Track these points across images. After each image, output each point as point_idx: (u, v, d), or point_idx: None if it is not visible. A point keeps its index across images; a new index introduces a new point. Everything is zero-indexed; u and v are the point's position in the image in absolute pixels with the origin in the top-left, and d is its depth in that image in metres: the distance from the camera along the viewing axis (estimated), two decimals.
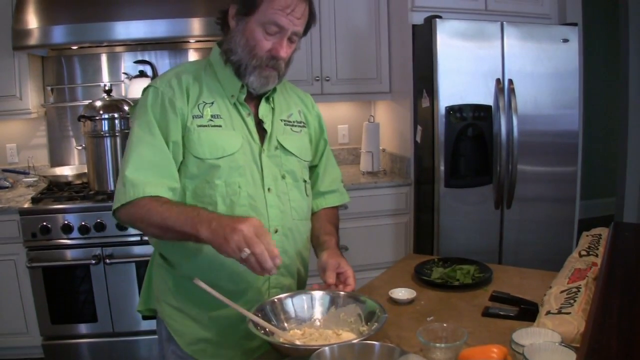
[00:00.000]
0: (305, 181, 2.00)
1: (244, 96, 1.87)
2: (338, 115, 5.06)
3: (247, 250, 1.49)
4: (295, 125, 2.01)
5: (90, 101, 3.99)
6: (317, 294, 1.75)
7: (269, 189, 1.86)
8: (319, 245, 2.00)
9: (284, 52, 1.80)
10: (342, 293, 1.76)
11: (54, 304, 3.83)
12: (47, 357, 3.94)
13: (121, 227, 3.71)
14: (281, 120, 1.96)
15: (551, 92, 4.02)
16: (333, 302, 1.73)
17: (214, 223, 1.57)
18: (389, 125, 4.76)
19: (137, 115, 1.82)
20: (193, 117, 1.80)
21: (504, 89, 3.87)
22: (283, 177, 1.91)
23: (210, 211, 1.71)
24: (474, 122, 3.88)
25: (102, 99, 3.95)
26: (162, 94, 1.80)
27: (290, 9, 1.75)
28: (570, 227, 4.24)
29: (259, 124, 1.91)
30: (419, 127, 4.15)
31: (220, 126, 1.82)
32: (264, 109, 1.92)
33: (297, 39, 1.84)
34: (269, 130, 1.91)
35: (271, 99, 1.96)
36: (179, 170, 1.80)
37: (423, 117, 4.07)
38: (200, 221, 1.59)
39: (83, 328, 3.91)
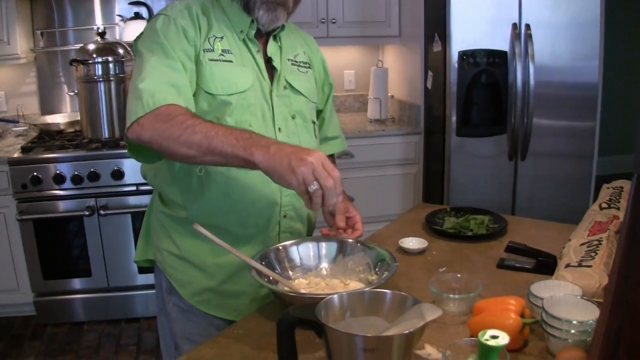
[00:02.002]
0: (314, 122, 1.99)
1: (253, 32, 1.84)
2: (344, 60, 5.02)
3: (317, 184, 1.43)
4: (302, 66, 1.98)
5: (83, 45, 3.94)
6: (324, 242, 1.74)
7: (279, 129, 1.83)
8: None
9: None
10: (350, 240, 1.74)
11: (46, 258, 3.86)
12: (40, 314, 3.98)
13: (116, 175, 3.70)
14: (288, 59, 1.94)
15: (570, 41, 3.96)
16: (341, 250, 1.72)
17: (273, 147, 1.48)
18: (397, 71, 4.72)
19: (146, 40, 1.75)
20: (204, 51, 1.76)
21: (520, 34, 3.82)
22: (293, 117, 1.88)
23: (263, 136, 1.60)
24: (488, 68, 3.84)
25: (95, 42, 3.91)
26: (174, 22, 1.74)
27: None
28: (587, 184, 4.21)
29: (268, 62, 1.88)
30: (429, 73, 4.12)
31: (231, 62, 1.78)
32: (272, 47, 1.90)
33: None
34: (278, 69, 1.89)
35: (278, 38, 1.93)
36: None
37: (434, 62, 4.04)
38: (256, 144, 1.49)
39: (76, 283, 3.94)
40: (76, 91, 3.95)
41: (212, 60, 1.75)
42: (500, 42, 3.83)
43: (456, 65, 3.80)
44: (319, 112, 2.14)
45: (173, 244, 1.88)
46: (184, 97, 1.65)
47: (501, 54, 3.84)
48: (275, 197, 1.80)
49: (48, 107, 4.59)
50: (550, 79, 3.96)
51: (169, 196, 1.87)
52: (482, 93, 3.90)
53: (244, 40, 1.84)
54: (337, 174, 1.46)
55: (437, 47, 3.95)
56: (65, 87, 4.55)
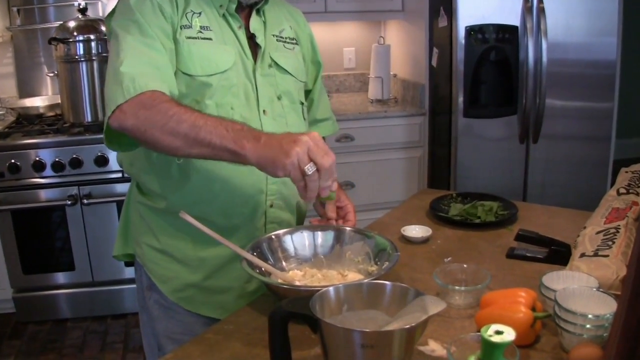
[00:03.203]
0: (302, 103, 1.97)
1: (234, 6, 1.80)
2: (343, 37, 5.01)
3: (313, 166, 1.40)
4: (288, 42, 1.96)
5: (63, 22, 3.93)
6: (320, 230, 1.73)
7: (264, 111, 1.81)
8: None
9: None
10: (348, 229, 1.73)
11: (26, 251, 3.85)
12: (19, 312, 3.98)
13: (100, 162, 3.69)
14: (273, 35, 1.92)
15: (586, 15, 3.94)
16: (338, 239, 1.71)
17: (264, 137, 1.46)
18: (401, 47, 4.72)
19: (120, 17, 1.71)
20: (181, 28, 1.72)
21: (532, 8, 3.80)
22: (279, 97, 1.86)
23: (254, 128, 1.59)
24: (497, 44, 3.84)
25: (76, 19, 3.90)
26: None
27: None
28: (604, 168, 4.21)
29: (251, 38, 1.85)
30: (435, 50, 4.12)
31: (210, 39, 1.75)
32: (255, 22, 1.87)
33: None
34: (262, 45, 1.86)
35: (262, 12, 1.90)
36: None
37: (440, 38, 4.04)
38: (247, 136, 1.47)
39: (59, 278, 3.94)
40: (56, 72, 3.95)
41: (190, 38, 1.72)
42: (511, 16, 3.82)
43: (463, 41, 3.79)
44: (308, 93, 2.12)
45: (153, 236, 1.86)
46: (167, 80, 1.64)
47: (511, 29, 3.83)
48: (261, 185, 1.78)
49: (26, 89, 4.56)
50: (565, 56, 3.95)
51: (147, 186, 1.85)
52: (491, 71, 3.90)
53: (224, 15, 1.80)
54: (333, 156, 1.44)
55: (442, 22, 3.94)
56: (45, 68, 4.52)
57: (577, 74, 4.01)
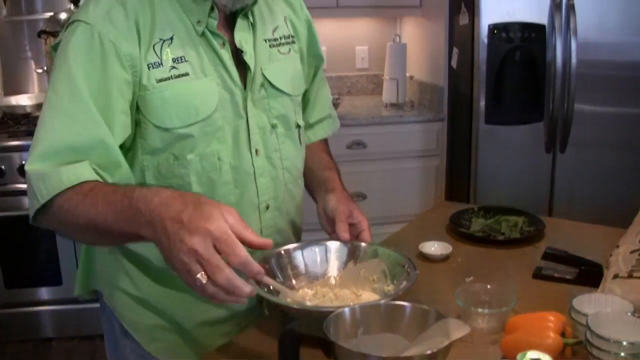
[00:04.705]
0: (299, 127, 1.85)
1: (216, 22, 1.61)
2: (356, 35, 4.99)
3: (204, 277, 1.21)
4: (283, 44, 1.80)
5: (53, 13, 3.94)
6: (333, 245, 1.73)
7: (256, 151, 1.69)
8: (319, 184, 1.91)
9: None
10: (362, 244, 1.73)
11: (9, 263, 3.85)
12: (1, 328, 3.97)
13: None
14: (265, 40, 1.74)
15: (620, 12, 3.92)
16: (352, 255, 1.71)
17: (155, 214, 1.27)
18: (418, 46, 4.73)
19: (56, 66, 1.50)
20: (149, 67, 1.52)
21: (561, 4, 3.80)
22: (273, 126, 1.74)
23: (148, 187, 1.48)
24: (522, 44, 3.83)
25: (67, 10, 3.91)
26: (99, 36, 1.48)
27: None
28: (638, 179, 4.18)
29: (237, 53, 1.66)
30: (455, 50, 4.12)
31: (187, 74, 1.56)
32: (241, 29, 1.67)
33: None
34: (252, 64, 1.68)
35: (250, 13, 1.70)
36: (133, 142, 1.59)
37: (460, 37, 4.05)
38: (135, 215, 1.31)
39: (44, 293, 3.93)
40: (45, 68, 3.96)
41: (161, 80, 1.53)
42: (538, 13, 3.82)
43: (486, 40, 3.79)
44: (304, 93, 1.97)
45: (130, 281, 1.73)
46: (95, 162, 1.45)
47: (538, 28, 3.83)
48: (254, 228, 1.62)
49: (12, 86, 4.58)
50: (596, 57, 3.93)
51: None
52: (515, 73, 3.89)
53: (203, 33, 1.60)
54: (242, 253, 1.23)
55: (463, 20, 3.95)
56: (33, 64, 4.53)
57: (609, 76, 3.99)
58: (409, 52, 4.65)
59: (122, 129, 1.51)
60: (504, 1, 3.78)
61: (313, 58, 1.99)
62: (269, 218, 1.75)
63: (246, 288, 1.22)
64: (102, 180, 1.44)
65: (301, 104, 1.91)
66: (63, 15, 3.83)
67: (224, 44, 1.63)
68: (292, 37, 1.85)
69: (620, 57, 3.97)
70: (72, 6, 3.95)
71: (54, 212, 1.41)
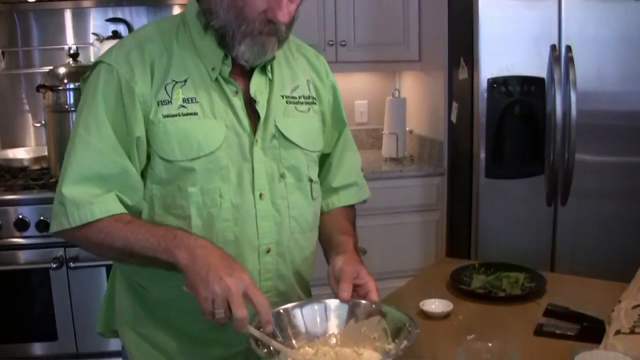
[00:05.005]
0: (311, 180, 1.89)
1: (228, 70, 1.74)
2: (355, 89, 5.03)
3: (222, 313, 1.49)
4: (302, 103, 1.88)
5: (52, 67, 3.97)
6: (333, 303, 1.73)
7: (260, 195, 1.76)
8: (332, 247, 1.90)
9: (284, 14, 1.65)
10: (363, 302, 1.73)
11: (4, 317, 3.81)
12: None
13: None
14: (282, 96, 1.83)
15: (619, 62, 3.97)
16: (352, 313, 1.71)
17: (200, 251, 1.54)
18: (417, 101, 4.75)
19: (84, 102, 1.71)
20: (158, 104, 1.68)
21: (560, 57, 3.85)
22: (282, 175, 1.81)
23: (191, 233, 1.64)
24: (522, 98, 3.86)
25: (66, 65, 3.93)
26: (117, 75, 1.67)
27: None
28: None
29: (250, 103, 1.78)
30: (454, 104, 4.15)
31: (195, 114, 1.69)
32: (258, 82, 1.79)
33: None
34: (262, 113, 1.78)
35: (269, 68, 1.82)
36: (144, 172, 1.74)
37: (460, 91, 4.08)
38: (179, 245, 1.56)
39: (39, 348, 3.89)
40: (43, 122, 3.97)
41: (167, 116, 1.68)
42: (537, 67, 3.86)
43: (485, 94, 3.82)
44: (326, 156, 2.06)
45: (139, 322, 1.85)
46: (118, 186, 1.67)
47: (538, 81, 3.86)
48: (252, 270, 1.74)
49: (9, 139, 4.60)
50: (596, 107, 3.97)
51: (130, 275, 1.86)
52: (515, 127, 3.92)
53: (216, 79, 1.74)
54: (264, 302, 1.53)
55: (463, 74, 3.98)
56: (30, 117, 4.57)
57: (610, 125, 4.02)
58: (408, 107, 4.68)
59: (139, 157, 1.70)
60: (503, 55, 3.82)
61: (336, 123, 2.07)
62: (269, 262, 1.79)
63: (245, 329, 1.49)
64: (125, 210, 1.66)
65: (317, 161, 1.95)
66: (62, 70, 3.85)
67: (236, 92, 1.75)
68: (314, 98, 1.94)
69: (621, 106, 4.01)
70: (71, 60, 3.98)
71: (89, 233, 1.63)
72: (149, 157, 1.72)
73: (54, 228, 1.67)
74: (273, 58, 1.80)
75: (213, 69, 1.72)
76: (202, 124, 1.70)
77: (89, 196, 1.62)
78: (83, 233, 1.64)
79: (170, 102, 1.68)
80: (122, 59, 1.69)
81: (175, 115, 1.68)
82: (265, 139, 1.78)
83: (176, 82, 1.70)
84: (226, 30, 1.68)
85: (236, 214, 1.73)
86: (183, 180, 1.70)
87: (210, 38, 1.73)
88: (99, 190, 1.64)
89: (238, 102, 1.75)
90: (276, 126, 1.79)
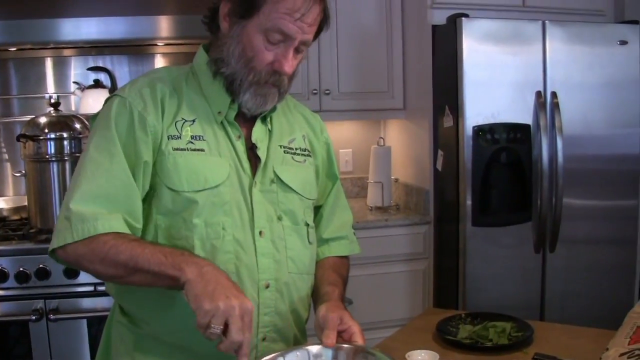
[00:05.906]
0: (307, 225, 1.98)
1: (234, 113, 1.86)
2: (340, 138, 5.04)
3: (219, 329, 1.52)
4: (298, 154, 1.99)
5: (33, 117, 3.97)
6: (315, 349, 1.74)
7: (260, 233, 1.84)
8: (318, 297, 1.96)
9: (289, 66, 1.79)
10: (346, 346, 1.74)
11: None
12: None
13: (70, 273, 3.68)
14: (280, 146, 1.95)
15: (605, 107, 4.04)
16: (336, 358, 1.72)
17: (208, 268, 1.59)
18: (402, 149, 4.79)
19: (96, 129, 1.80)
20: (169, 138, 1.78)
21: (545, 104, 3.91)
22: (279, 218, 1.89)
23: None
24: (508, 145, 3.90)
25: (47, 115, 3.92)
26: (130, 106, 1.78)
27: (300, 13, 1.73)
28: (630, 275, 4.23)
29: (251, 149, 1.89)
30: (440, 152, 4.18)
31: (202, 150, 1.80)
32: (259, 131, 1.91)
33: (305, 49, 1.83)
34: (263, 158, 1.89)
35: (269, 119, 1.95)
36: (150, 203, 1.79)
37: (445, 139, 4.10)
38: (187, 261, 1.61)
39: None
40: (23, 171, 3.95)
41: (177, 149, 1.78)
42: (522, 113, 3.90)
43: (471, 142, 3.84)
44: (319, 208, 2.14)
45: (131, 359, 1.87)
46: (123, 208, 1.73)
47: (523, 128, 3.91)
48: (253, 316, 1.72)
49: None
50: (583, 151, 4.02)
51: (129, 308, 1.89)
52: (502, 174, 3.96)
53: (222, 122, 1.86)
54: (242, 338, 1.54)
55: (448, 122, 4.01)
56: (9, 166, 4.55)
57: (597, 170, 4.08)
58: (393, 155, 4.71)
59: (143, 183, 1.77)
60: (488, 102, 3.86)
61: (329, 177, 2.18)
62: (268, 297, 1.84)
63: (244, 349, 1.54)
64: (129, 231, 1.72)
65: (312, 208, 2.05)
66: (43, 119, 3.84)
67: (239, 136, 1.88)
68: (309, 151, 2.06)
69: (607, 150, 4.08)
70: (52, 110, 3.98)
71: (94, 245, 1.66)
72: (152, 188, 1.79)
73: (55, 244, 1.70)
74: (274, 110, 1.94)
75: (219, 112, 1.86)
76: (208, 160, 1.80)
77: (95, 214, 1.68)
78: (87, 246, 1.66)
79: (180, 137, 1.79)
80: (135, 93, 1.81)
81: (185, 150, 1.79)
82: (264, 182, 1.88)
83: (185, 121, 1.82)
84: (235, 78, 1.81)
85: (237, 247, 1.80)
86: (188, 212, 1.77)
87: (218, 84, 1.85)
88: (106, 210, 1.70)
89: (240, 146, 1.87)
90: (275, 172, 1.90)
